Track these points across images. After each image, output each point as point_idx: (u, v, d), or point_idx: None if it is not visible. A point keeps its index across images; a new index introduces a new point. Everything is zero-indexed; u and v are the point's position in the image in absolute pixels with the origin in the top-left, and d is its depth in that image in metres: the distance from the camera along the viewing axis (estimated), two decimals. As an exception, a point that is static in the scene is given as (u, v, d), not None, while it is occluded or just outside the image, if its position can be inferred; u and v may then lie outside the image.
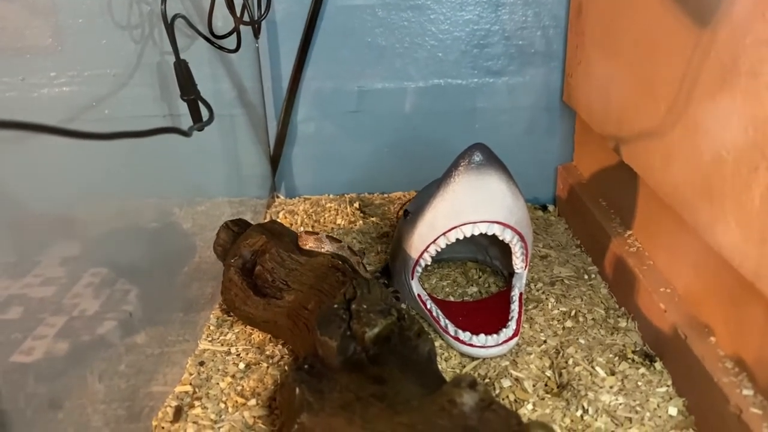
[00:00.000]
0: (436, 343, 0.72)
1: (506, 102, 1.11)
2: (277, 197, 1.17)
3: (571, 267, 0.89)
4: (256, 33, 1.01)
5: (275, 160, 1.14)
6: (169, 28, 0.64)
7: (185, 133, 0.52)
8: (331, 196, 1.16)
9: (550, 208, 1.12)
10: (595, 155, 0.99)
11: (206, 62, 0.82)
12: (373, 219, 1.06)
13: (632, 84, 0.76)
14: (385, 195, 1.16)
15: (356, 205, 1.10)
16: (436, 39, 1.08)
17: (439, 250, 0.72)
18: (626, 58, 0.78)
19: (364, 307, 0.53)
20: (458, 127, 1.12)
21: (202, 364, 0.70)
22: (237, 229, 0.76)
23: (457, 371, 0.69)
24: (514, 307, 0.74)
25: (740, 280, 0.54)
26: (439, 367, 0.66)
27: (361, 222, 1.05)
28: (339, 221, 1.06)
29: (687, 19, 0.60)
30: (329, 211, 1.09)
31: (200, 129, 0.62)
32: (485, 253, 0.90)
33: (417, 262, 0.74)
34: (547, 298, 0.80)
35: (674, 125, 0.63)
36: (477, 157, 0.67)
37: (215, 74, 0.87)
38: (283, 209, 1.11)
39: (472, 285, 0.86)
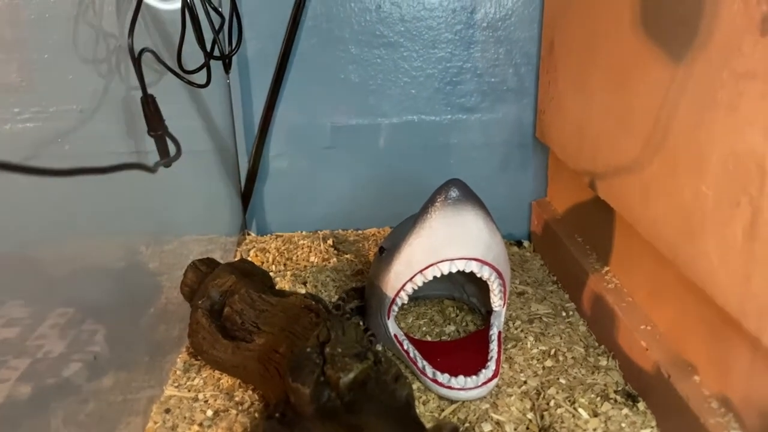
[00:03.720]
0: (414, 386, 0.70)
1: (479, 138, 1.10)
2: (248, 234, 1.15)
3: (549, 304, 0.87)
4: (227, 68, 1.00)
5: (246, 196, 1.12)
6: (136, 62, 0.62)
7: (150, 169, 0.50)
8: (304, 233, 1.14)
9: (525, 243, 1.11)
10: (569, 190, 0.99)
11: (175, 97, 0.80)
12: (348, 256, 1.04)
13: (607, 119, 0.75)
14: (360, 231, 1.14)
15: (330, 242, 1.08)
16: (409, 76, 1.08)
17: (416, 288, 0.70)
18: (600, 93, 0.78)
19: (339, 350, 0.51)
20: (432, 163, 1.11)
21: (167, 411, 0.66)
22: (205, 268, 0.73)
23: (436, 415, 0.66)
24: (493, 346, 0.72)
25: (724, 317, 0.53)
26: (418, 411, 0.63)
27: (335, 259, 1.03)
28: (312, 259, 1.03)
29: (662, 53, 0.60)
30: (302, 248, 1.07)
31: (167, 165, 0.60)
32: (462, 290, 0.88)
33: (393, 301, 0.72)
34: (526, 337, 0.78)
35: (652, 160, 0.63)
36: (453, 192, 0.65)
37: (184, 110, 0.85)
38: (254, 247, 1.08)
39: (449, 324, 0.84)
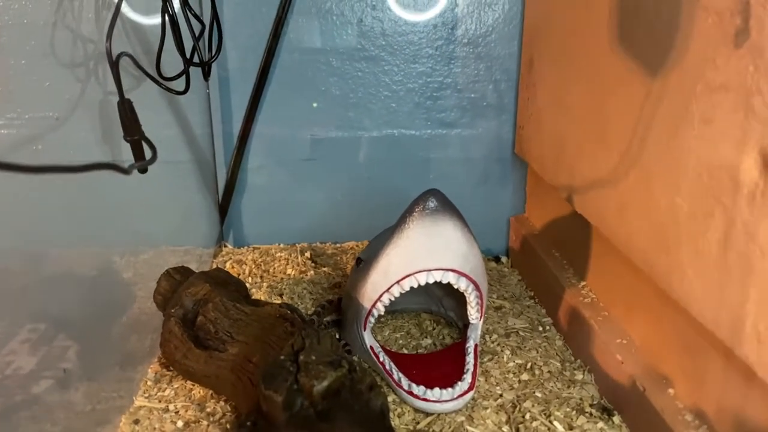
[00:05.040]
0: (389, 398, 0.69)
1: (459, 153, 1.11)
2: (225, 246, 1.13)
3: (526, 318, 0.87)
4: (206, 75, 0.99)
5: (224, 208, 1.11)
6: (114, 66, 0.61)
7: (124, 171, 0.49)
8: (281, 245, 1.13)
9: (503, 259, 1.11)
10: (547, 206, 0.99)
11: (153, 104, 0.79)
12: (325, 269, 1.03)
13: (584, 134, 0.76)
14: (338, 245, 1.14)
15: (307, 254, 1.07)
16: (389, 90, 1.08)
17: (393, 299, 0.70)
18: (578, 108, 0.79)
19: (313, 358, 0.50)
20: (412, 177, 1.11)
21: (136, 422, 0.65)
22: (179, 277, 0.72)
23: (411, 428, 0.65)
24: (469, 359, 0.72)
25: (698, 329, 0.53)
26: (393, 423, 0.62)
27: (312, 272, 1.02)
28: (289, 271, 1.02)
29: (638, 67, 0.60)
30: (279, 260, 1.06)
31: (142, 169, 0.59)
32: (439, 304, 0.87)
33: (370, 312, 0.71)
34: (502, 351, 0.78)
35: (628, 174, 0.63)
36: (432, 203, 0.65)
37: (162, 117, 0.84)
38: (231, 258, 1.07)
39: (426, 337, 0.84)
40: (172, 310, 0.67)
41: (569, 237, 0.89)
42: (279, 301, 0.85)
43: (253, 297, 0.89)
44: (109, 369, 0.66)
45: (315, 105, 1.08)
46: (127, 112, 0.62)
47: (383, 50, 1.06)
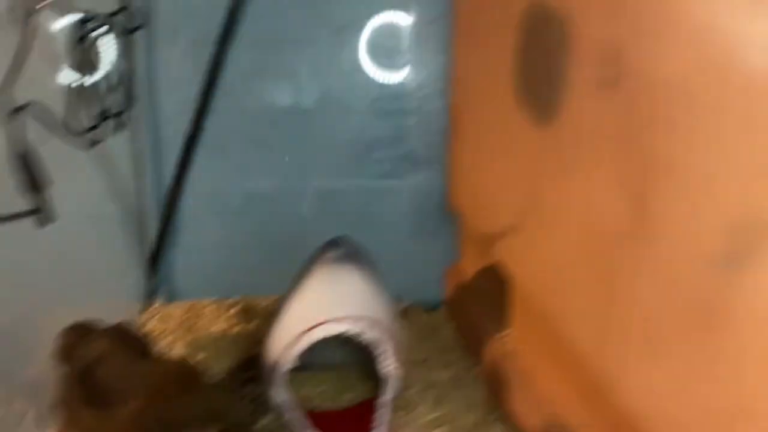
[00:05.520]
0: (298, 456, 0.67)
1: (393, 205, 1.11)
2: (154, 301, 1.10)
3: (452, 370, 0.86)
4: (121, 126, 0.96)
5: (153, 261, 1.08)
6: (15, 117, 0.61)
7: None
8: (212, 299, 1.10)
9: (438, 310, 1.10)
10: (479, 256, 0.99)
11: (67, 156, 0.78)
12: (254, 323, 1.01)
13: (500, 183, 0.77)
14: (272, 297, 1.11)
15: (238, 308, 1.05)
16: (324, 143, 1.08)
17: (299, 353, 0.68)
18: (494, 160, 0.80)
19: (183, 418, 0.48)
20: (346, 229, 1.09)
21: (28, 487, 0.61)
22: (79, 333, 0.69)
23: (317, 487, 0.63)
24: (383, 413, 0.70)
25: (592, 376, 0.53)
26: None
27: (241, 326, 1.00)
28: (217, 326, 1.00)
29: (535, 118, 0.62)
30: (209, 315, 1.04)
31: (42, 222, 0.58)
32: (359, 357, 0.85)
33: (279, 367, 0.69)
34: (420, 403, 0.76)
35: (530, 219, 0.64)
36: (336, 250, 0.64)
37: (79, 169, 0.82)
38: (159, 313, 1.04)
39: (347, 391, 0.82)
40: (70, 367, 0.65)
41: (496, 286, 0.88)
42: (183, 357, 0.83)
43: (174, 352, 0.87)
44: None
45: (258, 141, 1.07)
46: (29, 166, 0.61)
47: (319, 104, 1.07)
